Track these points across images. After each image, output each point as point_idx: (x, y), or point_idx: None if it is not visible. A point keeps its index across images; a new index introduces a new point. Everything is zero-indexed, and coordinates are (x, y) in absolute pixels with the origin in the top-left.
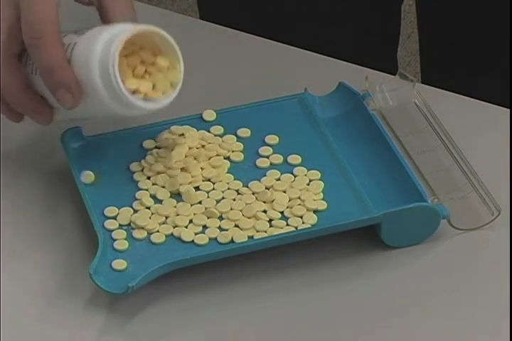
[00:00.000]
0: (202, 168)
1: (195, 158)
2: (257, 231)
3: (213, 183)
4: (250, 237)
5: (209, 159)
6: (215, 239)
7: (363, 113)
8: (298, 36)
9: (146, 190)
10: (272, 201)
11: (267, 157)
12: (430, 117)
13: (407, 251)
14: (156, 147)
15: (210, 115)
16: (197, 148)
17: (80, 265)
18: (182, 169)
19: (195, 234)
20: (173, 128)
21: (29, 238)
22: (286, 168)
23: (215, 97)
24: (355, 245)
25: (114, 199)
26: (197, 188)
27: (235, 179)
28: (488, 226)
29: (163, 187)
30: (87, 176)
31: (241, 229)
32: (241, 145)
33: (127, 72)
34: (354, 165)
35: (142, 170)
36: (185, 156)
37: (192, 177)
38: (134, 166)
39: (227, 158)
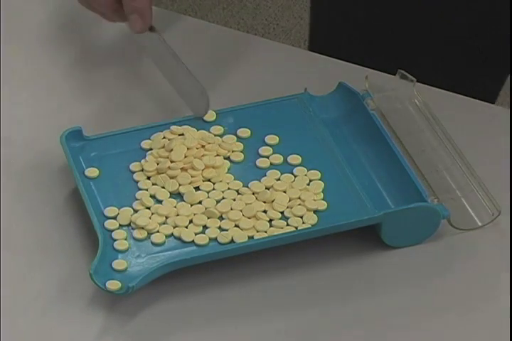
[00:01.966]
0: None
1: (195, 158)
2: (257, 231)
3: (213, 183)
4: (250, 237)
5: (209, 159)
6: (215, 239)
7: (363, 113)
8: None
9: (146, 190)
10: (272, 201)
11: (267, 157)
12: (430, 117)
13: (407, 251)
14: (155, 147)
15: (210, 115)
16: (197, 148)
17: (80, 265)
18: (182, 169)
19: (196, 234)
20: (173, 128)
21: (29, 238)
22: (286, 168)
23: (215, 97)
24: (355, 245)
25: (114, 200)
26: (197, 188)
27: (235, 179)
28: (488, 226)
29: (163, 187)
30: (92, 170)
31: (241, 229)
32: (241, 146)
33: None
34: (354, 165)
35: (142, 170)
36: (185, 156)
37: (192, 177)
38: (134, 166)
39: (228, 158)
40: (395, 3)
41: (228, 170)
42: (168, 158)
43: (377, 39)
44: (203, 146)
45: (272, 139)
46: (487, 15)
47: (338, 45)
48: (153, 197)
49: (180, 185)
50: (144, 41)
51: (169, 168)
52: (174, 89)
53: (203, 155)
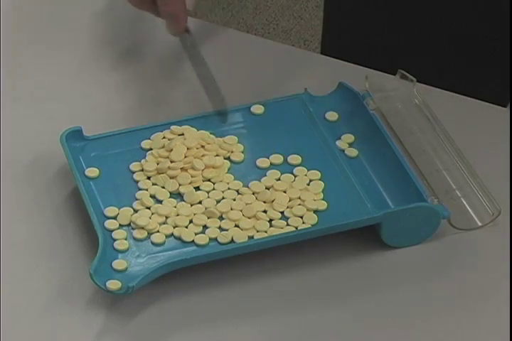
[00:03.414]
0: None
1: (195, 158)
2: (257, 231)
3: (213, 183)
4: (250, 237)
5: (209, 159)
6: (215, 239)
7: (363, 113)
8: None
9: (146, 189)
10: (272, 201)
11: (267, 157)
12: (430, 117)
13: (407, 251)
14: (155, 147)
15: (258, 108)
16: (197, 148)
17: (80, 265)
18: (182, 169)
19: (196, 234)
20: (173, 128)
21: (29, 238)
22: (286, 167)
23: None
24: (355, 245)
25: (114, 200)
26: (197, 188)
27: (235, 179)
28: (488, 226)
29: (163, 187)
30: (92, 170)
31: (241, 229)
32: (241, 146)
33: None
34: (354, 165)
35: (142, 170)
36: (185, 157)
37: (192, 177)
38: (134, 166)
39: (228, 158)
40: (394, 3)
41: (228, 170)
42: (168, 158)
43: (377, 39)
44: (202, 146)
45: (272, 139)
46: (487, 15)
47: (338, 45)
48: (153, 197)
49: (180, 185)
50: (180, 40)
51: (169, 168)
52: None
53: (203, 155)
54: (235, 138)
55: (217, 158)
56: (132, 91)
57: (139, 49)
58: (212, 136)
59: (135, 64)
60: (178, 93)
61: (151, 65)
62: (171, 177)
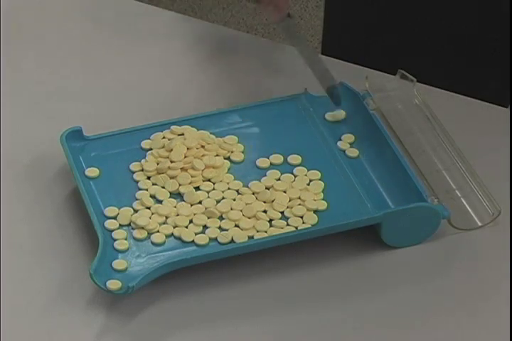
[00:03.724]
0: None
1: (195, 158)
2: (257, 231)
3: (213, 183)
4: (250, 237)
5: (209, 159)
6: (215, 239)
7: (363, 113)
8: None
9: (146, 190)
10: (272, 201)
11: (267, 157)
12: (430, 117)
13: (407, 251)
14: (155, 147)
15: (339, 115)
16: (197, 148)
17: (80, 265)
18: (182, 169)
19: (196, 234)
20: (173, 128)
21: (29, 238)
22: (287, 167)
23: (216, 97)
24: (355, 245)
25: (114, 199)
26: (197, 188)
27: (235, 179)
28: (488, 226)
29: (163, 187)
30: (92, 170)
31: (241, 229)
32: (241, 146)
33: None
34: (354, 165)
35: (142, 170)
36: (185, 157)
37: (192, 177)
38: (134, 166)
39: (228, 158)
40: (395, 3)
41: (228, 170)
42: (168, 158)
43: (377, 39)
44: (202, 146)
45: (272, 139)
46: (487, 15)
47: (338, 46)
48: (153, 197)
49: (180, 185)
50: (282, 26)
51: (169, 168)
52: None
53: (203, 155)
54: (235, 138)
55: (217, 158)
56: (132, 91)
57: (139, 49)
58: (212, 136)
59: (135, 64)
60: (179, 93)
61: (152, 65)
62: (171, 177)
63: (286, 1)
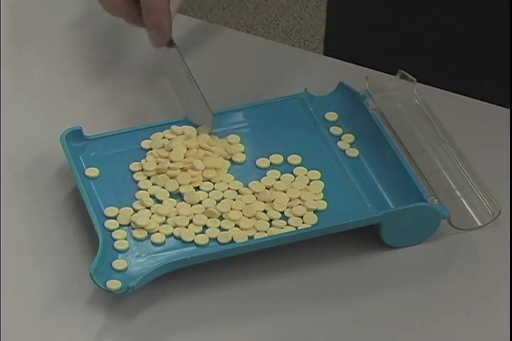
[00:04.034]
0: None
1: (195, 159)
2: (257, 231)
3: (213, 183)
4: (250, 237)
5: (210, 161)
6: (215, 239)
7: (363, 113)
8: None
9: (146, 190)
10: (272, 201)
11: (267, 157)
12: (430, 117)
13: (407, 251)
14: (155, 147)
15: (233, 139)
16: (197, 149)
17: (80, 265)
18: (182, 169)
19: (196, 234)
20: (173, 128)
21: (29, 238)
22: (287, 167)
23: (216, 98)
24: (355, 245)
25: (114, 199)
26: (197, 188)
27: (235, 179)
28: (488, 226)
29: (163, 187)
30: (92, 170)
31: (241, 229)
32: (242, 147)
33: None
34: (354, 165)
35: (142, 170)
36: (184, 157)
37: (192, 177)
38: (134, 166)
39: (229, 159)
40: (395, 3)
41: (228, 170)
42: (167, 158)
43: (377, 39)
44: (203, 148)
45: (272, 139)
46: (487, 15)
47: (340, 46)
48: (153, 197)
49: (180, 185)
50: (160, 54)
51: (169, 168)
52: (181, 105)
53: (204, 155)
54: (238, 137)
55: (218, 159)
56: (132, 91)
57: (139, 48)
58: (216, 137)
59: (136, 64)
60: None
61: (151, 65)
62: (171, 178)
63: (170, 26)
